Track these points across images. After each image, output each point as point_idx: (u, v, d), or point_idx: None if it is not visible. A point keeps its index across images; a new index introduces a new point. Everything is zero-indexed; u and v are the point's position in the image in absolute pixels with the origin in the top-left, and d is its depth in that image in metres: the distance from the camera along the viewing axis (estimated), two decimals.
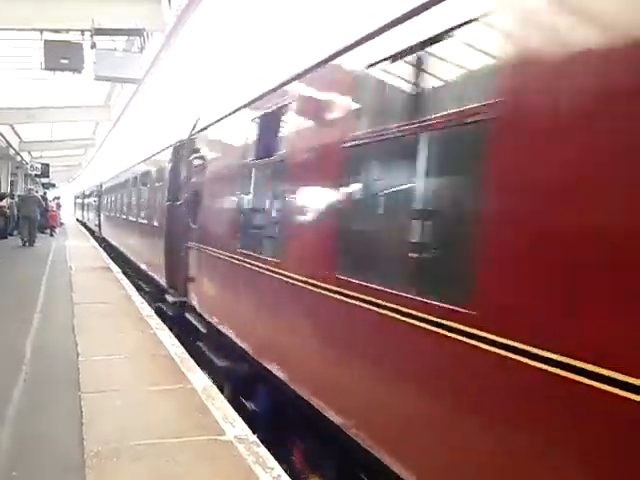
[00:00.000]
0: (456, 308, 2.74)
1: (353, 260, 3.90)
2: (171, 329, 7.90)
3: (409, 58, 3.39)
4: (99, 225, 27.28)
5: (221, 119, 7.27)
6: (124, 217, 17.01)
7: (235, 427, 4.41)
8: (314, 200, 4.40)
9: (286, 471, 3.87)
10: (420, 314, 2.98)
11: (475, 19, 2.79)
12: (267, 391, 5.49)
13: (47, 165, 33.89)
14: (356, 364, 3.72)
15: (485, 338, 2.55)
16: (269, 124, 5.52)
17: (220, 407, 4.84)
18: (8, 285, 11.46)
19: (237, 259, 5.93)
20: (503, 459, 2.52)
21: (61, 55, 10.66)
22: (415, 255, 3.36)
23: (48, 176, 36.02)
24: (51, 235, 26.59)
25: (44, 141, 30.83)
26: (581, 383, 2.11)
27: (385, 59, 3.56)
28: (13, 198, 25.40)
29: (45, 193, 32.48)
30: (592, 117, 2.21)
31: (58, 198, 35.99)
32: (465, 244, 2.86)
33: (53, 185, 45.20)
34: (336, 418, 3.86)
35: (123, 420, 4.50)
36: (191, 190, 8.28)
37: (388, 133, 3.43)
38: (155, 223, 10.90)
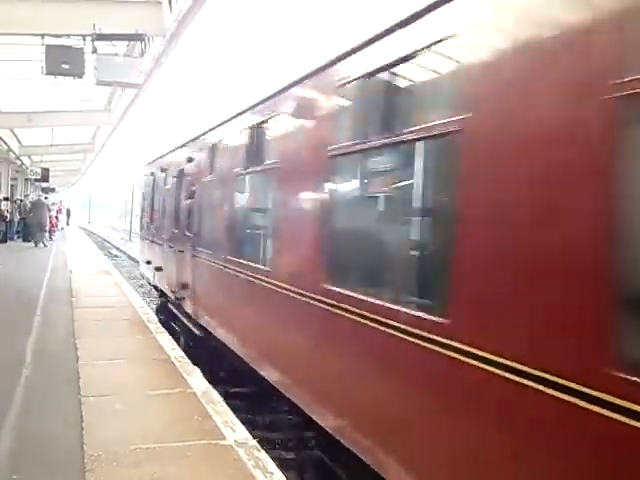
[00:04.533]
0: None
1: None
2: None
3: None
4: None
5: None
6: None
7: (235, 431, 4.41)
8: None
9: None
10: None
11: None
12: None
13: (47, 169, 33.90)
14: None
15: None
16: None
17: (220, 411, 4.84)
18: (8, 290, 11.45)
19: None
20: None
21: (62, 60, 10.66)
22: None
23: (48, 180, 36.02)
24: (50, 239, 26.68)
25: (44, 145, 30.85)
26: None
27: None
28: (15, 202, 25.65)
29: (46, 198, 32.54)
30: None
31: (59, 203, 36.04)
32: None
33: (52, 189, 45.21)
34: None
35: (123, 424, 4.50)
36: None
37: None
38: None
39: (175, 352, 6.80)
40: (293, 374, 4.65)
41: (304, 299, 4.21)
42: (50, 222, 28.48)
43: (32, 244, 22.91)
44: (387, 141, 3.37)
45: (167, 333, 7.90)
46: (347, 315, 3.58)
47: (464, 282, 2.65)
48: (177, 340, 7.94)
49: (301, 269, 4.47)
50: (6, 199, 26.47)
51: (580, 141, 2.13)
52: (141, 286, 18.43)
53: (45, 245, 23.00)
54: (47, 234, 24.31)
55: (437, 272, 3.09)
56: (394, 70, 3.38)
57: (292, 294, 4.43)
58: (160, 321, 9.09)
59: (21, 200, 28.91)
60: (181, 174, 9.10)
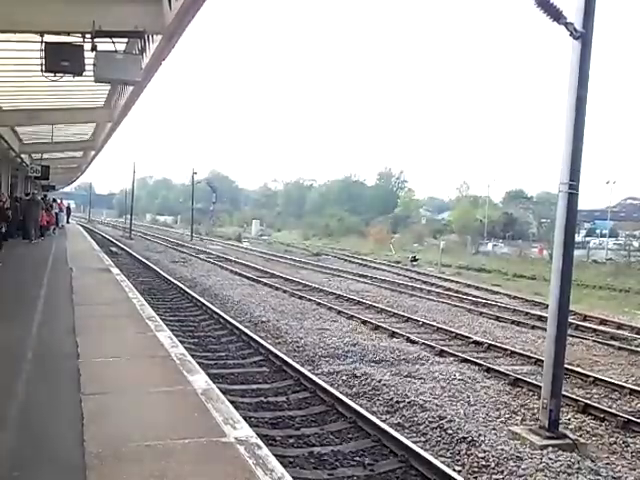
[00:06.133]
0: None
1: None
2: None
3: None
4: None
5: None
6: None
7: (236, 429, 4.41)
8: None
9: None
10: None
11: None
12: None
13: (47, 167, 33.86)
14: None
15: None
16: None
17: (220, 409, 4.83)
18: (9, 287, 11.45)
19: None
20: None
21: (61, 57, 10.63)
22: None
23: (48, 178, 35.97)
24: (41, 235, 26.70)
25: (44, 143, 30.83)
26: None
27: None
28: (17, 201, 25.86)
29: (45, 196, 32.64)
30: None
31: (60, 200, 36.12)
32: None
33: (53, 187, 45.21)
34: None
35: (123, 422, 4.50)
36: None
37: None
38: None
39: (175, 350, 6.80)
40: None
41: None
42: (49, 220, 28.56)
43: (32, 242, 22.99)
44: None
45: (168, 330, 7.90)
46: None
47: None
48: None
49: None
50: (9, 197, 26.49)
51: None
52: (141, 283, 18.47)
53: (37, 241, 23.18)
54: (39, 231, 24.51)
55: None
56: None
57: None
58: None
59: (20, 198, 28.98)
60: None
